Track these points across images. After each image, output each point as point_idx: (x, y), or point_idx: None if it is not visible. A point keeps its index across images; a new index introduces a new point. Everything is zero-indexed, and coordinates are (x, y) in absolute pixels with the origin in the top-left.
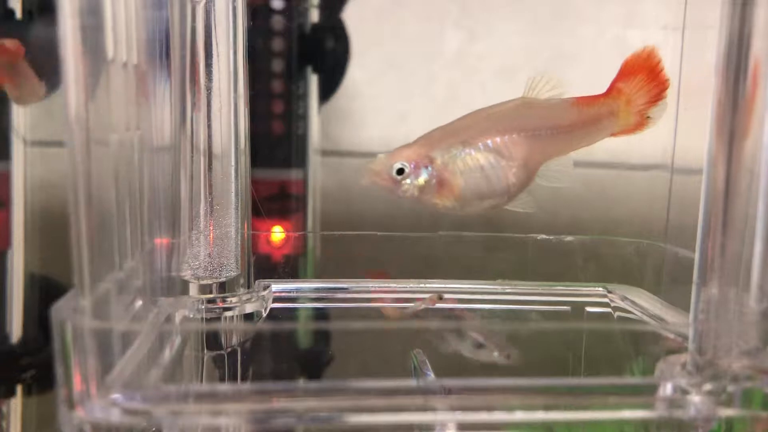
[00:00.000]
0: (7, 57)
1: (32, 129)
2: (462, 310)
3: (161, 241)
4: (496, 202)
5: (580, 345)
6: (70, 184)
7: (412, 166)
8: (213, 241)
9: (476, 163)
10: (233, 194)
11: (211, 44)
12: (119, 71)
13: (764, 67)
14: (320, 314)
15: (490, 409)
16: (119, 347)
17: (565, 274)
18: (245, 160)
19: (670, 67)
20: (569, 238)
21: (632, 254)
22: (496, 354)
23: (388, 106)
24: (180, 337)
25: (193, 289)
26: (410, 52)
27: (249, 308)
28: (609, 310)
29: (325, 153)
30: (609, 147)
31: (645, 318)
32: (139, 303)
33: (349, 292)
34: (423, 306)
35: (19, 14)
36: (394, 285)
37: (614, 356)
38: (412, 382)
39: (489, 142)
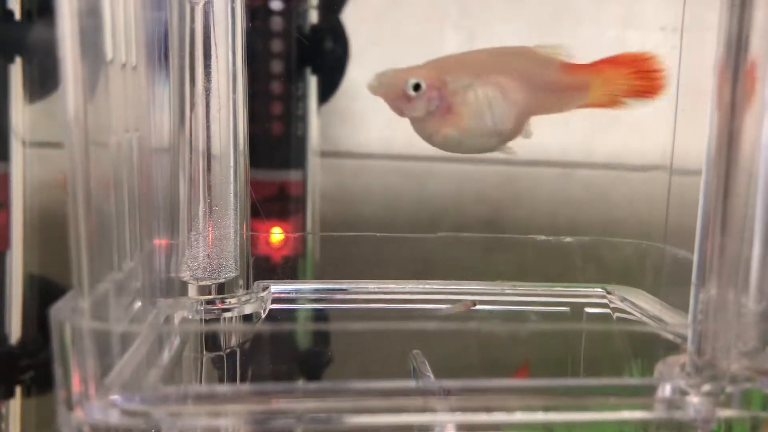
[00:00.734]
0: None
1: (31, 130)
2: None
3: (160, 242)
4: (492, 142)
5: (579, 346)
6: (70, 185)
7: (426, 84)
8: (212, 242)
9: (486, 97)
10: (232, 195)
11: (209, 45)
12: (118, 72)
13: (763, 68)
14: (319, 315)
15: (489, 410)
16: (118, 348)
17: (565, 275)
18: (244, 161)
19: (668, 68)
20: (568, 239)
21: (631, 255)
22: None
23: (387, 108)
24: (179, 338)
25: (192, 291)
26: (410, 52)
27: (248, 309)
28: (608, 311)
29: (324, 154)
30: (608, 148)
31: (644, 319)
32: (138, 304)
33: (348, 293)
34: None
35: (18, 15)
36: (394, 286)
37: (613, 357)
38: (411, 383)
39: (497, 79)
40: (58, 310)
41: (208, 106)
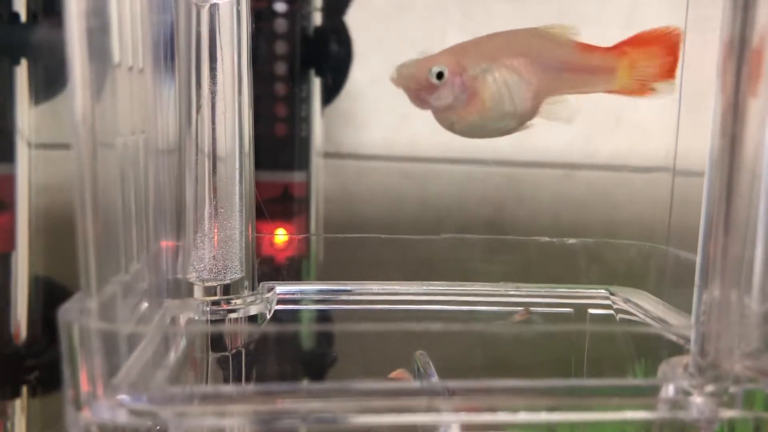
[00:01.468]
0: None
1: (36, 132)
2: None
3: (166, 243)
4: (512, 124)
5: (583, 347)
6: (77, 186)
7: (449, 71)
8: (217, 243)
9: (503, 80)
10: (237, 197)
11: (215, 48)
12: (125, 75)
13: (766, 69)
14: (324, 316)
15: (493, 410)
16: (125, 349)
17: (568, 277)
18: (249, 162)
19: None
20: (572, 241)
21: (635, 257)
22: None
23: (391, 109)
24: (185, 338)
25: (197, 292)
26: (413, 54)
27: (253, 310)
28: (611, 312)
29: (327, 155)
30: (611, 149)
31: (647, 320)
32: (144, 305)
33: (352, 294)
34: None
35: (23, 18)
36: (398, 287)
37: (617, 358)
38: (415, 384)
39: (513, 61)
40: (67, 311)
41: (213, 108)
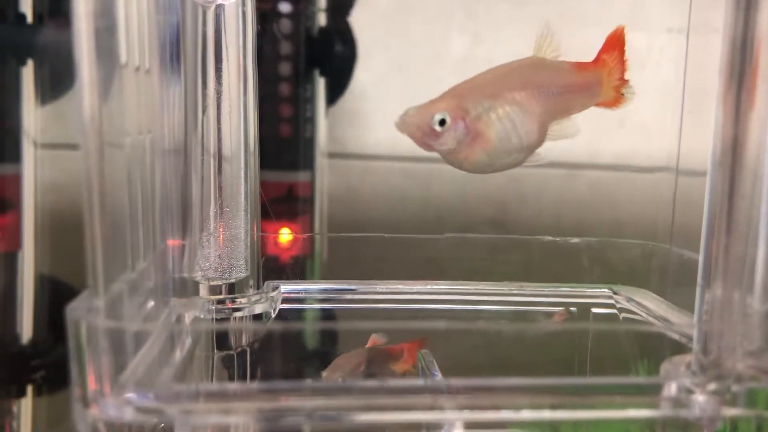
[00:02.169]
0: None
1: (42, 131)
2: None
3: (172, 242)
4: (520, 157)
5: (586, 346)
6: (85, 186)
7: (451, 117)
8: (223, 242)
9: (506, 116)
10: (243, 196)
11: (221, 48)
12: (132, 75)
13: None
14: (328, 315)
15: (497, 408)
16: (132, 347)
17: (571, 276)
18: (255, 162)
19: (675, 70)
20: (575, 240)
21: (638, 256)
22: None
23: (395, 109)
24: (191, 337)
25: (203, 290)
26: (416, 55)
27: (258, 309)
28: (615, 311)
29: (332, 155)
30: (614, 149)
31: (650, 319)
32: (150, 303)
33: (356, 293)
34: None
35: (30, 18)
36: (402, 286)
37: (620, 357)
38: (420, 382)
39: (515, 95)
40: (74, 309)
41: (219, 108)
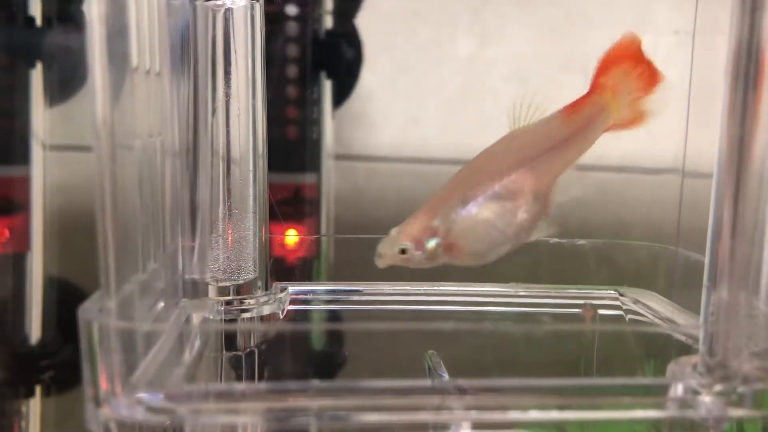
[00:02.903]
0: None
1: (51, 133)
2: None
3: (182, 244)
4: (514, 242)
5: (592, 347)
6: (97, 187)
7: (412, 245)
8: (231, 244)
9: (479, 218)
10: (251, 198)
11: (230, 51)
12: (142, 78)
13: None
14: (335, 316)
15: (504, 408)
16: (143, 347)
17: (578, 277)
18: (263, 164)
19: (681, 71)
20: (581, 242)
21: (644, 258)
22: None
23: (400, 111)
24: (200, 337)
25: (212, 291)
26: (422, 57)
27: (266, 310)
28: (621, 312)
29: (338, 157)
30: (620, 151)
31: (656, 320)
32: (161, 304)
33: (363, 295)
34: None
35: (39, 21)
36: (408, 288)
37: (626, 358)
38: (427, 382)
39: (488, 191)
40: (86, 309)
41: (228, 111)
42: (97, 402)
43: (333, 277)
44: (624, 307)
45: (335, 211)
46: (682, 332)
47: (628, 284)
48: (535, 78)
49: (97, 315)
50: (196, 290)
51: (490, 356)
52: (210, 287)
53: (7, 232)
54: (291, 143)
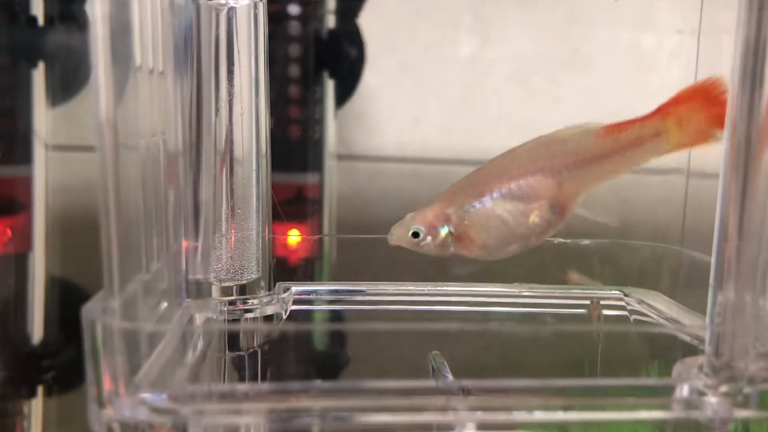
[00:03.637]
0: None
1: (53, 134)
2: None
3: (185, 244)
4: (523, 244)
5: (597, 347)
6: (100, 187)
7: (425, 229)
8: (234, 244)
9: (491, 214)
10: (254, 198)
11: (233, 51)
12: (146, 78)
13: None
14: (338, 316)
15: (509, 409)
16: (146, 347)
17: (582, 277)
18: (266, 164)
19: (686, 71)
20: (586, 242)
21: (649, 258)
22: None
23: (403, 111)
24: (203, 338)
25: (215, 292)
26: (424, 57)
27: (269, 310)
28: (626, 313)
29: (340, 157)
30: None
31: (662, 321)
32: (164, 304)
33: (366, 295)
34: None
35: (41, 21)
36: (411, 288)
37: (631, 358)
38: (431, 383)
39: (504, 189)
40: (89, 310)
41: (231, 111)
42: (101, 402)
43: (336, 277)
44: (629, 307)
45: (337, 211)
46: (688, 333)
47: (632, 284)
48: (537, 78)
49: (101, 315)
50: (199, 290)
51: (494, 357)
52: (213, 287)
53: (9, 232)
54: (293, 143)
